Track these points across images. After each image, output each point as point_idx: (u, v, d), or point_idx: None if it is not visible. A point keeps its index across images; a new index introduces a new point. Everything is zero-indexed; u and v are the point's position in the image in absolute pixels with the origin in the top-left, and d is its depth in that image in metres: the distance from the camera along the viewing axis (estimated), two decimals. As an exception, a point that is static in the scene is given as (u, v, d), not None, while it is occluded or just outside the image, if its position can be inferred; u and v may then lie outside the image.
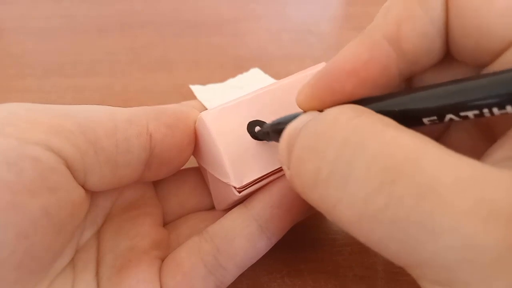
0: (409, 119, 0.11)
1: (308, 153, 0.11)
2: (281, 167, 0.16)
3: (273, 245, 0.16)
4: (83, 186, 0.14)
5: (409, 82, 0.14)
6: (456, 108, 0.10)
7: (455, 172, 0.09)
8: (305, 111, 0.13)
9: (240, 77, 0.27)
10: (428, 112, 0.11)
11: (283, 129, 0.13)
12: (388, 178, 0.09)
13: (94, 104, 0.15)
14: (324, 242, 0.19)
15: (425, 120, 0.11)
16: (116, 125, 0.14)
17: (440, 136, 0.14)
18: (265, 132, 0.15)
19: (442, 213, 0.08)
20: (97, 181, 0.14)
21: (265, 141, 0.16)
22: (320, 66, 0.18)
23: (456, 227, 0.08)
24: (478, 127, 0.13)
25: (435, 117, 0.11)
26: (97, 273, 0.15)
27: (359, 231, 0.10)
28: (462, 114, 0.10)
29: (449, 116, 0.10)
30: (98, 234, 0.17)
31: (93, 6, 0.40)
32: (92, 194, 0.16)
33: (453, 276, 0.08)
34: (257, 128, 0.16)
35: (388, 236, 0.09)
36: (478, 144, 0.13)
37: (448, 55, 0.13)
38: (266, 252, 0.16)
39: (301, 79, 0.17)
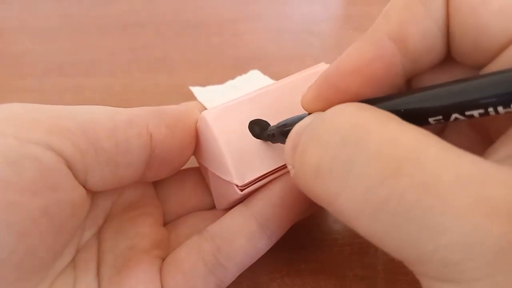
0: (414, 118, 0.11)
1: (312, 146, 0.11)
2: (282, 165, 0.16)
3: (273, 244, 0.16)
4: (83, 186, 0.14)
5: (408, 85, 0.14)
6: (462, 107, 0.10)
7: (456, 169, 0.09)
8: (310, 113, 0.13)
9: (239, 79, 0.27)
10: (434, 112, 0.11)
11: (288, 130, 0.13)
12: (390, 173, 0.09)
13: (94, 104, 0.15)
14: (324, 242, 0.19)
15: (431, 119, 0.11)
16: (117, 125, 0.14)
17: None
18: (271, 134, 0.15)
19: (443, 210, 0.08)
20: (97, 181, 0.14)
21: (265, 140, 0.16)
22: (320, 66, 0.18)
23: (457, 224, 0.08)
24: (474, 128, 0.13)
25: (440, 117, 0.11)
26: (98, 273, 0.15)
27: (359, 225, 0.10)
28: (467, 113, 0.10)
29: (454, 116, 0.10)
30: (99, 234, 0.17)
31: (93, 6, 0.40)
32: (92, 194, 0.16)
33: (454, 272, 0.09)
34: (258, 129, 0.16)
35: (389, 231, 0.09)
36: (474, 146, 0.13)
37: (448, 57, 0.13)
38: (267, 252, 0.16)
39: (301, 79, 0.17)
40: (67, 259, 0.15)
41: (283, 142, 0.14)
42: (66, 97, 0.29)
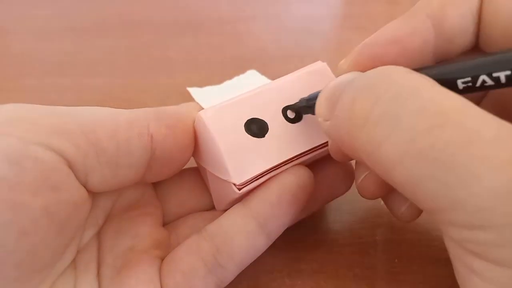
0: (445, 82, 0.12)
1: (363, 94, 0.12)
2: (280, 163, 0.16)
3: (272, 242, 0.16)
4: (84, 187, 0.14)
5: None
6: (489, 67, 0.11)
7: (495, 128, 0.10)
8: None
9: (236, 79, 0.27)
10: (463, 72, 0.12)
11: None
12: (437, 123, 0.10)
13: (94, 104, 0.15)
14: (324, 242, 0.19)
15: (460, 82, 0.12)
16: (117, 126, 0.14)
17: None
18: (300, 106, 0.16)
19: (482, 161, 0.09)
20: (98, 182, 0.14)
21: (263, 139, 0.16)
22: (318, 64, 0.18)
23: (494, 174, 0.09)
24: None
25: (469, 78, 0.12)
26: (99, 274, 0.15)
27: (399, 169, 0.11)
28: (495, 75, 0.11)
29: (482, 78, 0.11)
30: (99, 235, 0.17)
31: (93, 6, 0.40)
32: (93, 195, 0.16)
33: (486, 219, 0.09)
34: (255, 128, 0.16)
35: (429, 174, 0.10)
36: None
37: (475, 47, 0.14)
38: (267, 252, 0.16)
39: (298, 78, 0.17)
40: (68, 259, 0.15)
41: (312, 113, 0.15)
42: (66, 97, 0.29)
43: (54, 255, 0.14)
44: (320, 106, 0.14)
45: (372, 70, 0.12)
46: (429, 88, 0.11)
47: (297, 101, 0.17)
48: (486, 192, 0.09)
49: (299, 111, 0.17)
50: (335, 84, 0.14)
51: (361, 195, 0.16)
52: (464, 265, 0.11)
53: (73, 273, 0.15)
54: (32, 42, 0.35)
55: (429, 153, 0.10)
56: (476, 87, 0.12)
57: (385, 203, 0.17)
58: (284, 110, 0.17)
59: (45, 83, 0.30)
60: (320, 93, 0.14)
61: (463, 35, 0.14)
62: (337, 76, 0.14)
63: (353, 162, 0.18)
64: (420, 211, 0.16)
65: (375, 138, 0.11)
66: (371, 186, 0.16)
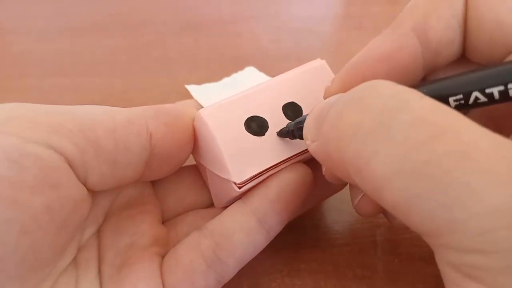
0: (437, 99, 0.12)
1: (350, 107, 0.11)
2: (279, 162, 0.16)
3: (272, 239, 0.16)
4: (84, 185, 0.14)
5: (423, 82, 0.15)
6: (482, 83, 0.11)
7: (492, 139, 0.09)
8: None
9: (235, 76, 0.27)
10: (455, 88, 0.11)
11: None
12: (431, 136, 0.09)
13: (94, 104, 0.15)
14: (324, 242, 0.19)
15: (452, 99, 0.11)
16: (116, 124, 0.14)
17: None
18: (289, 130, 0.16)
19: (482, 176, 0.09)
20: (97, 180, 0.14)
21: (263, 137, 0.16)
22: (316, 62, 0.18)
23: (494, 191, 0.08)
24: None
25: (461, 96, 0.11)
26: (99, 271, 0.15)
27: (391, 188, 0.10)
28: (488, 91, 0.11)
29: (475, 94, 0.11)
30: (98, 233, 0.17)
31: (93, 6, 0.40)
32: (92, 193, 0.16)
33: (486, 242, 0.08)
34: (255, 126, 0.16)
35: (424, 193, 0.09)
36: None
37: (462, 57, 0.14)
38: (267, 252, 0.16)
39: (297, 75, 0.17)
40: (69, 257, 0.15)
41: (300, 137, 0.15)
42: (66, 97, 0.29)
43: (55, 253, 0.14)
44: (307, 127, 0.14)
45: (358, 86, 0.12)
46: (418, 100, 0.10)
47: (296, 98, 0.17)
48: (488, 212, 0.08)
49: (288, 135, 0.16)
50: (322, 105, 0.13)
51: (359, 214, 0.16)
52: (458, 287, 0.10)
53: (74, 271, 0.15)
54: (32, 42, 0.35)
55: (424, 169, 0.09)
56: (469, 104, 0.11)
57: (384, 214, 0.17)
58: (284, 108, 0.17)
59: (45, 83, 0.30)
60: (307, 116, 0.14)
61: (450, 46, 0.14)
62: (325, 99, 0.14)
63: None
64: None
65: (363, 153, 0.10)
66: (367, 207, 0.15)
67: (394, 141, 0.10)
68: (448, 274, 0.10)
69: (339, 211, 0.21)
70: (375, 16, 0.38)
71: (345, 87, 0.13)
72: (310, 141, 0.13)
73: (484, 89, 0.11)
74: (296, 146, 0.16)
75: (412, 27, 0.13)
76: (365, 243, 0.19)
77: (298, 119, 0.16)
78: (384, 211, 0.16)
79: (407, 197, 0.09)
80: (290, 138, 0.16)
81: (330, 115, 0.12)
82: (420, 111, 0.10)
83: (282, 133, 0.16)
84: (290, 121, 0.16)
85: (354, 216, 0.20)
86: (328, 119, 0.12)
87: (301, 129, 0.15)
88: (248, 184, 0.16)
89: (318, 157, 0.13)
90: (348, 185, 0.19)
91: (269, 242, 0.16)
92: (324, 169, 0.15)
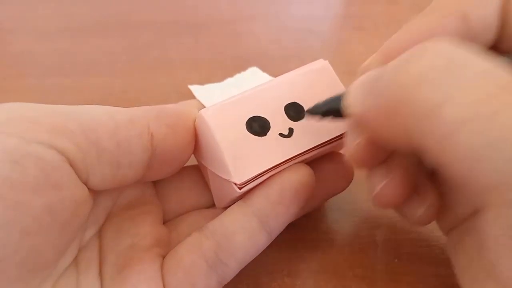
0: None
1: (414, 60, 0.11)
2: (281, 162, 0.16)
3: (273, 239, 0.16)
4: (85, 185, 0.14)
5: None
6: None
7: None
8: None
9: (238, 76, 0.27)
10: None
11: (337, 105, 0.14)
12: (501, 87, 0.09)
13: (94, 104, 0.15)
14: (324, 242, 0.19)
15: None
16: (118, 125, 0.14)
17: None
18: (319, 110, 0.15)
19: None
20: (99, 181, 0.14)
21: (264, 137, 0.16)
22: (319, 62, 0.18)
23: None
24: None
25: None
26: (100, 272, 0.15)
27: (468, 130, 0.09)
28: None
29: None
30: (99, 234, 0.17)
31: (93, 6, 0.40)
32: (94, 193, 0.16)
33: None
34: (257, 127, 0.16)
35: (492, 144, 0.09)
36: None
37: (492, 47, 0.14)
38: (267, 252, 0.16)
39: (299, 76, 0.17)
40: (69, 258, 0.15)
41: (336, 115, 0.14)
42: (66, 97, 0.29)
43: (56, 253, 0.14)
44: (353, 94, 0.13)
45: (415, 46, 0.11)
46: (480, 57, 0.10)
47: (298, 98, 0.17)
48: None
49: (319, 114, 0.16)
50: (368, 74, 0.13)
51: (377, 205, 0.15)
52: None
53: (75, 272, 0.15)
54: (32, 42, 0.35)
55: (496, 118, 0.09)
56: None
57: (398, 210, 0.16)
58: (287, 108, 0.17)
59: (45, 83, 0.30)
60: (351, 85, 0.14)
61: (486, 33, 0.14)
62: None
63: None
64: (436, 213, 0.15)
65: (434, 98, 0.10)
66: (390, 193, 0.15)
67: (471, 85, 0.09)
68: (501, 240, 0.10)
69: (339, 211, 0.21)
70: (375, 16, 0.38)
71: (387, 61, 0.13)
72: (358, 107, 0.13)
73: None
74: (298, 146, 0.16)
75: (450, 12, 0.13)
76: (365, 243, 0.19)
77: (327, 100, 0.15)
78: (399, 205, 0.16)
79: (473, 147, 0.09)
80: (319, 117, 0.16)
81: (388, 73, 0.12)
82: (487, 65, 0.10)
83: (314, 111, 0.16)
84: (292, 121, 0.16)
85: (355, 216, 0.20)
86: (386, 76, 0.12)
87: (331, 109, 0.14)
88: (249, 185, 0.16)
89: (366, 121, 0.13)
90: (349, 186, 0.19)
91: (270, 242, 0.16)
92: (359, 142, 0.14)
